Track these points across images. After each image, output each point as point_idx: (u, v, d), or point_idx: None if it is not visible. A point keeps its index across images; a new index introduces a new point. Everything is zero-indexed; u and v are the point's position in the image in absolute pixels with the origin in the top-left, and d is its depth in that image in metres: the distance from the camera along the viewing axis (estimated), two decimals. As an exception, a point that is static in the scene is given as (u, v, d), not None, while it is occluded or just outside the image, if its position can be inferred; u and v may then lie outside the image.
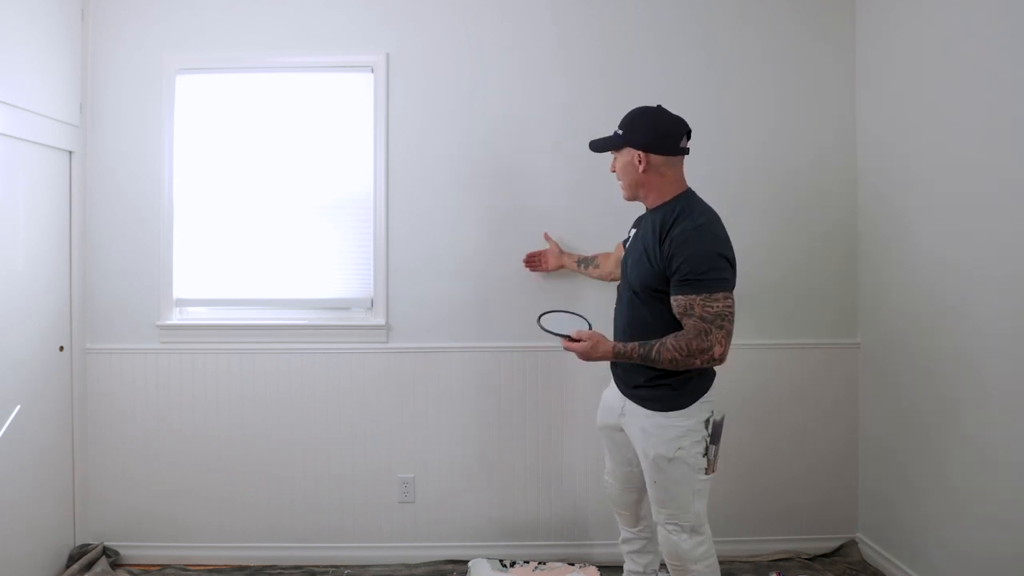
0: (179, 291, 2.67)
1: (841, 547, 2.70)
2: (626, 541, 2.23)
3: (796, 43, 2.69)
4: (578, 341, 1.81)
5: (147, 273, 2.65)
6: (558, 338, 1.86)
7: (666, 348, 1.71)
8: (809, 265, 2.69)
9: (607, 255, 2.45)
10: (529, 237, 2.65)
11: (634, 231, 2.01)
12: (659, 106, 1.89)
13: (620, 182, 1.93)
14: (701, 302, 1.68)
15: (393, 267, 2.67)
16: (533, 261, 2.62)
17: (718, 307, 1.68)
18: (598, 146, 1.96)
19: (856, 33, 2.69)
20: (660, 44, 2.67)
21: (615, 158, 1.93)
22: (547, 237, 2.61)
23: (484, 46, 2.67)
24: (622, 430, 1.99)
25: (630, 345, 1.77)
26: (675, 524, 1.84)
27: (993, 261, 2.00)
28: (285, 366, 2.66)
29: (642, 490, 2.06)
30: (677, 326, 1.77)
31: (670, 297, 1.75)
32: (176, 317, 2.67)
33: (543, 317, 1.93)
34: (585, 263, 2.49)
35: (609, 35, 2.67)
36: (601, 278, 2.47)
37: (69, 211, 2.58)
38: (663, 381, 1.81)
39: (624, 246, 2.10)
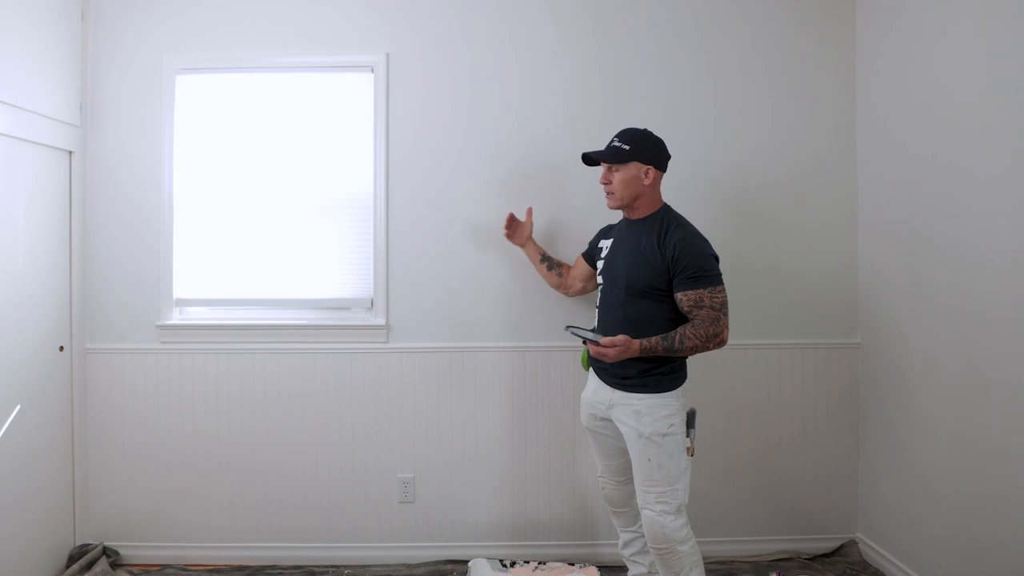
0: (179, 291, 2.67)
1: (841, 547, 2.70)
2: (627, 544, 2.24)
3: (796, 43, 2.69)
4: (607, 347, 1.91)
5: (147, 273, 2.65)
6: (584, 342, 2.00)
7: (687, 337, 1.90)
8: (809, 265, 2.70)
9: (568, 267, 2.49)
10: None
11: (610, 240, 2.17)
12: (646, 129, 2.07)
13: (612, 192, 2.06)
14: (709, 294, 1.91)
15: (393, 267, 2.67)
16: (511, 227, 2.49)
17: (722, 298, 1.92)
18: (605, 157, 2.05)
19: (856, 33, 2.69)
20: (660, 45, 2.68)
21: (611, 170, 2.05)
22: (530, 213, 2.51)
23: (484, 46, 2.67)
24: (610, 421, 2.08)
25: (653, 339, 1.92)
26: (663, 503, 1.93)
27: (993, 261, 2.00)
28: (285, 366, 2.66)
29: None
30: (671, 317, 1.97)
31: (674, 293, 1.94)
32: (176, 317, 2.67)
33: (571, 328, 2.04)
34: (549, 263, 2.48)
35: (609, 35, 2.67)
36: (556, 287, 2.50)
37: (69, 211, 2.58)
38: (656, 370, 1.97)
39: (595, 257, 2.23)
